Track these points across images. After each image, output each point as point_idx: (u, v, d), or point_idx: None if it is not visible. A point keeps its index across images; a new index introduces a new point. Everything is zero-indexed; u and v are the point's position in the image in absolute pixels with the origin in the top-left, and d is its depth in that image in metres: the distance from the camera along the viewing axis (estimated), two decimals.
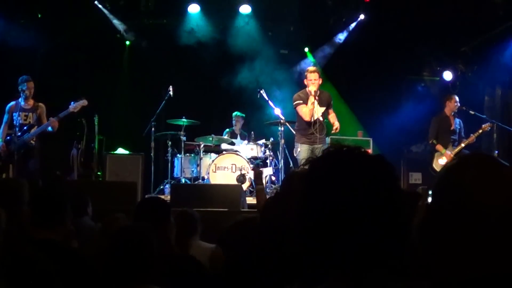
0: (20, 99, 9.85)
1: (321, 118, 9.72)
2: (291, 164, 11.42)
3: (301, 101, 9.70)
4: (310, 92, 9.57)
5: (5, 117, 9.91)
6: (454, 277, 1.49)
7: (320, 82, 9.72)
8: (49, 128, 9.78)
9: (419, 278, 1.65)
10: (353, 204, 1.50)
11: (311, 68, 9.92)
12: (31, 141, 9.69)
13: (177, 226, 4.90)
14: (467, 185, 1.52)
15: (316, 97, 9.56)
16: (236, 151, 11.67)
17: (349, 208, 1.50)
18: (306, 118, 9.60)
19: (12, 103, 9.89)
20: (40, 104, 10.02)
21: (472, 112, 11.09)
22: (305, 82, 9.77)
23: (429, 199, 1.67)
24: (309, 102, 9.57)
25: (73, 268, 3.37)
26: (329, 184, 1.54)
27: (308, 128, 9.67)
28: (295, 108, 9.86)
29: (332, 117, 10.02)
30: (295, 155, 10.14)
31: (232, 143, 12.13)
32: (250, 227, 3.59)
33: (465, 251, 1.49)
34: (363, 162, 1.58)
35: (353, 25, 13.97)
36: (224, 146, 12.12)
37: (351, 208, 1.50)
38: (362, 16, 13.70)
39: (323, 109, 9.76)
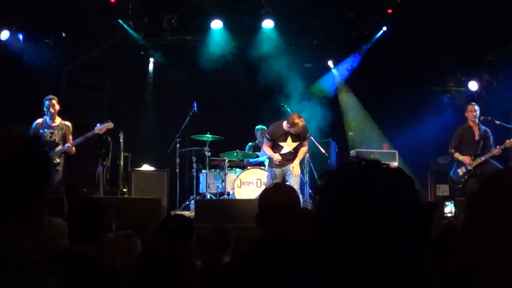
0: (46, 117, 9.96)
1: (292, 151, 10.00)
2: (317, 177, 11.37)
3: (270, 141, 9.98)
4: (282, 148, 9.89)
5: None
6: None
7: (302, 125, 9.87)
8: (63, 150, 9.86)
9: None
10: (367, 216, 1.47)
11: (300, 122, 9.73)
12: (55, 159, 9.72)
13: (209, 242, 4.90)
14: (505, 202, 1.49)
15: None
16: (261, 165, 11.65)
17: (363, 220, 1.47)
18: (264, 156, 10.13)
19: (39, 120, 9.97)
20: (66, 122, 10.09)
21: (497, 122, 10.92)
22: (286, 123, 9.83)
23: (446, 210, 1.64)
24: (276, 154, 9.88)
25: (108, 284, 3.39)
26: (344, 196, 1.51)
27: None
28: (263, 138, 10.30)
29: (302, 150, 10.15)
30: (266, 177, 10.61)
31: (257, 156, 12.10)
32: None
33: (505, 270, 1.46)
34: (381, 175, 1.55)
35: (376, 36, 13.92)
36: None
37: (366, 220, 1.47)
38: (385, 28, 13.64)
39: (295, 144, 10.02)
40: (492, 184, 1.57)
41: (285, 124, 9.86)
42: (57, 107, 10.01)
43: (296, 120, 9.65)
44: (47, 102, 9.90)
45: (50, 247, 3.90)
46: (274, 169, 10.05)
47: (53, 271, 1.63)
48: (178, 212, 10.28)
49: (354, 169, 1.58)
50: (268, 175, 10.32)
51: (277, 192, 3.34)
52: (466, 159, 10.69)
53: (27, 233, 1.71)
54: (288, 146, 9.92)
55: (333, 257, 1.52)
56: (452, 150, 10.91)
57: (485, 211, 1.52)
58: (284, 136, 9.89)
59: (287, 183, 10.05)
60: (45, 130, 9.87)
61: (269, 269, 2.91)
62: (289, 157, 9.94)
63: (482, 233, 1.50)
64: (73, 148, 9.85)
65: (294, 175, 9.87)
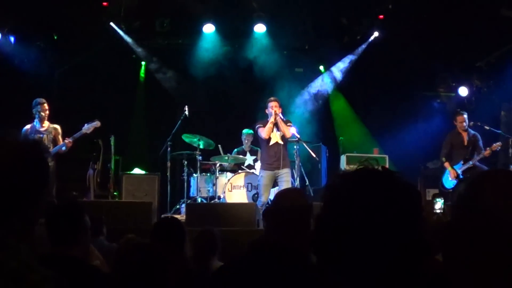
0: (35, 122, 9.91)
1: (280, 142, 10.02)
2: (307, 182, 11.40)
3: (261, 125, 10.13)
4: (271, 114, 9.96)
5: None
6: None
7: (280, 110, 10.05)
8: (63, 147, 9.83)
9: None
10: (370, 226, 1.48)
11: (271, 98, 10.22)
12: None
13: (197, 247, 4.90)
14: (487, 200, 1.51)
15: (278, 117, 9.94)
16: (252, 169, 11.64)
17: (365, 228, 1.48)
18: (264, 135, 10.03)
19: (27, 126, 9.88)
20: (55, 125, 10.03)
21: (487, 127, 11.05)
22: (266, 111, 10.14)
23: (436, 206, 1.66)
24: (268, 122, 9.98)
25: (92, 284, 3.38)
26: (351, 201, 1.52)
27: (268, 155, 10.08)
28: (256, 133, 10.37)
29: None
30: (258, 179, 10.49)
31: (244, 161, 12.07)
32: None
33: (489, 267, 1.48)
34: (397, 187, 1.56)
35: (367, 42, 13.97)
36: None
37: (367, 229, 1.48)
38: (376, 33, 13.69)
39: (280, 134, 10.06)
40: (474, 183, 1.59)
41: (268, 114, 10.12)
42: (48, 111, 9.96)
43: (270, 98, 10.18)
44: (38, 107, 9.82)
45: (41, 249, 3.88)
46: (266, 171, 10.06)
47: (48, 277, 1.63)
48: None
49: (371, 176, 1.59)
50: (259, 177, 10.27)
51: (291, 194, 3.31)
52: (451, 173, 10.82)
53: (23, 237, 1.71)
54: (274, 137, 10.01)
55: (332, 257, 1.54)
56: (443, 159, 11.07)
57: (473, 211, 1.54)
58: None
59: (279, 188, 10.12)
60: (35, 135, 9.73)
61: (266, 273, 2.86)
62: (278, 155, 9.93)
63: (470, 233, 1.52)
64: (71, 143, 9.81)
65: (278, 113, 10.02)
